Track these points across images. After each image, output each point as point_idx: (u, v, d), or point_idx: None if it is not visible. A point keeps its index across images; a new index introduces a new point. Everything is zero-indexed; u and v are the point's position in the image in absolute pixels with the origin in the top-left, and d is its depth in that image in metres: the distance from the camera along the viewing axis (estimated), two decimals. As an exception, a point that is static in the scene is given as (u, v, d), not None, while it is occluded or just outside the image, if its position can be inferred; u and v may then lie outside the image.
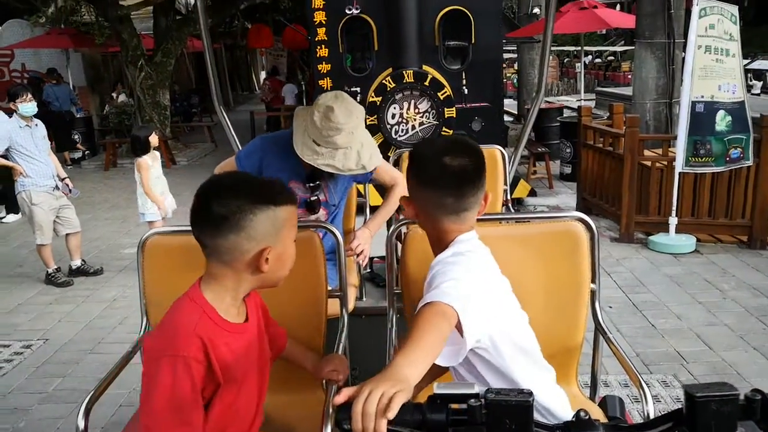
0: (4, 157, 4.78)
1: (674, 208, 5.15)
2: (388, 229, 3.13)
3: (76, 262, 5.16)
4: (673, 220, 5.18)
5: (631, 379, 1.49)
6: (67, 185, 5.01)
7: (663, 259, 5.05)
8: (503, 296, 1.34)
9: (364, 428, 0.80)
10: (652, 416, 1.43)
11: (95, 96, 13.43)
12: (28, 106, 4.75)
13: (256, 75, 25.97)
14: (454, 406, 0.76)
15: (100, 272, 5.20)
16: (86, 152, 11.18)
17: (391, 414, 0.79)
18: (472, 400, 0.73)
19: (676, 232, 5.21)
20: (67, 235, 5.05)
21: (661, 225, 5.33)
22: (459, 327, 1.12)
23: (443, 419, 0.76)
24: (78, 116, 11.21)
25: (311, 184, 2.22)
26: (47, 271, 5.02)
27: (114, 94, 12.46)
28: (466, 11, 5.83)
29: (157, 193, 4.79)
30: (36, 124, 4.87)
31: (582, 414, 0.76)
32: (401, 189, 2.38)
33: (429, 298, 1.14)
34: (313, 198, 2.23)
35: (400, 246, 1.82)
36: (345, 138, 2.02)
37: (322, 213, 2.29)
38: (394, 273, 1.77)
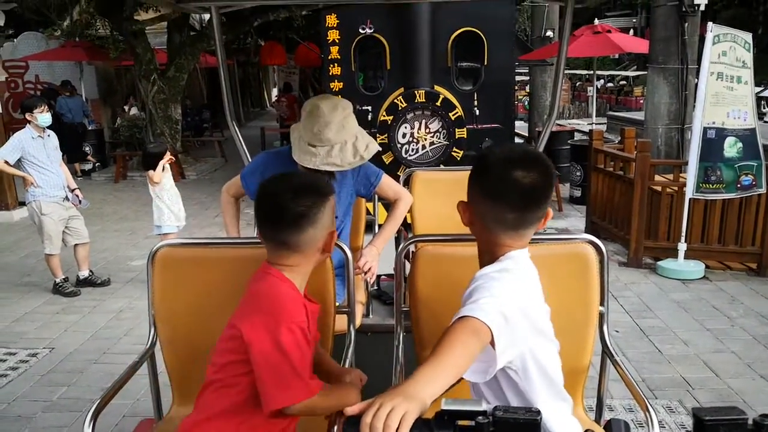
0: (17, 167, 4.83)
1: (684, 233, 5.13)
2: (397, 247, 3.15)
3: (84, 273, 5.19)
4: (682, 246, 5.15)
5: (638, 403, 1.48)
6: (77, 196, 5.05)
7: (671, 285, 5.02)
8: (541, 321, 1.28)
9: None
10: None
11: (107, 109, 13.59)
12: (46, 116, 4.83)
13: (267, 92, 26.23)
14: (462, 422, 0.76)
15: (107, 283, 5.21)
16: (97, 164, 11.29)
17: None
18: (480, 417, 0.73)
19: (685, 258, 5.18)
20: (75, 245, 5.08)
21: (670, 250, 5.29)
22: (492, 345, 1.09)
23: (450, 436, 0.76)
24: (90, 128, 11.35)
25: None
26: (55, 281, 5.04)
27: (126, 107, 12.61)
28: (480, 33, 5.90)
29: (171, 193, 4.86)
30: (48, 135, 4.93)
31: (589, 436, 0.76)
32: (405, 204, 2.40)
33: (465, 312, 1.11)
34: None
35: (408, 264, 1.83)
36: (336, 132, 2.04)
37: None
38: (402, 291, 1.77)
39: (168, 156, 4.88)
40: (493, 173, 1.27)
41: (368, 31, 6.04)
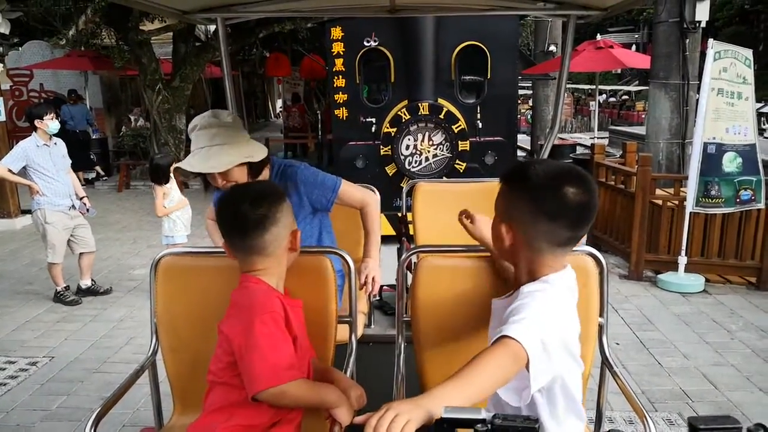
0: (22, 175, 4.83)
1: (684, 247, 5.14)
2: (399, 258, 3.16)
3: (86, 282, 5.19)
4: (682, 260, 5.16)
5: (637, 415, 1.49)
6: (84, 204, 5.04)
7: (671, 298, 5.02)
8: (574, 346, 1.26)
9: None
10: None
11: (111, 118, 13.67)
12: (56, 123, 4.84)
13: (272, 103, 26.34)
14: (461, 431, 0.77)
15: (109, 292, 5.22)
16: (103, 176, 11.33)
17: None
18: (479, 425, 0.74)
19: (685, 272, 5.18)
20: (81, 254, 5.09)
21: (671, 264, 5.30)
22: (527, 367, 1.08)
23: (450, 443, 0.77)
24: (94, 137, 11.42)
25: None
26: (56, 290, 5.04)
27: (132, 117, 12.68)
28: (483, 47, 5.95)
29: (173, 208, 4.90)
30: (55, 143, 4.92)
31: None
32: (374, 208, 2.31)
33: (509, 331, 1.09)
34: None
35: (410, 275, 1.84)
36: (205, 139, 2.00)
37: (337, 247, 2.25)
38: (404, 302, 1.78)
39: (173, 181, 4.90)
40: (549, 191, 1.22)
41: (373, 43, 6.10)
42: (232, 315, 1.50)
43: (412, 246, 2.91)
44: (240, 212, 1.48)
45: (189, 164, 2.00)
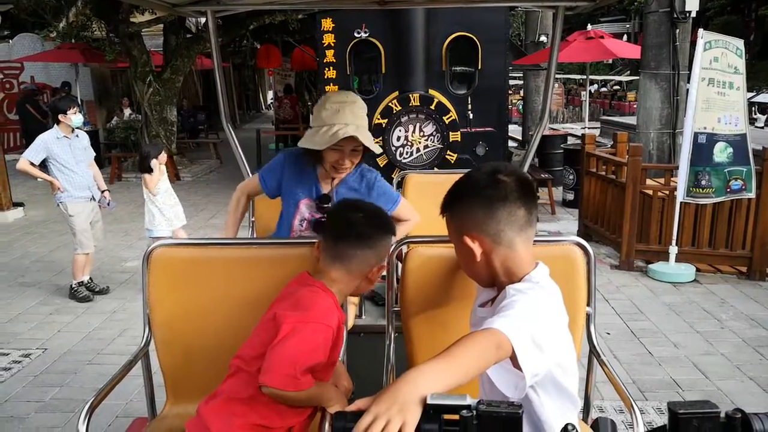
0: (42, 168, 4.78)
1: (675, 237, 5.18)
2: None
3: (84, 278, 5.06)
4: (673, 249, 5.20)
5: (623, 402, 1.51)
6: (105, 197, 4.99)
7: (662, 288, 5.06)
8: (565, 337, 1.28)
9: None
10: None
11: (102, 110, 13.59)
12: (79, 117, 4.80)
13: (263, 94, 26.24)
14: (447, 416, 0.78)
15: (105, 291, 5.09)
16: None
17: None
18: (464, 412, 0.75)
19: (676, 261, 5.23)
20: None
21: (662, 254, 5.34)
22: (515, 361, 1.08)
23: (436, 429, 0.78)
24: (85, 129, 11.32)
25: (323, 204, 2.23)
26: (71, 285, 4.97)
27: (123, 108, 12.62)
28: (474, 37, 5.93)
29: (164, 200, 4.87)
30: (77, 136, 4.87)
31: (569, 427, 0.79)
32: (413, 224, 2.40)
33: (494, 324, 1.10)
34: (322, 218, 2.24)
35: (400, 265, 1.85)
36: (351, 115, 2.05)
37: None
38: (394, 292, 1.80)
39: (163, 155, 4.89)
40: (486, 183, 1.31)
41: (363, 35, 6.07)
42: (289, 307, 1.48)
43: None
44: (350, 220, 1.53)
45: (352, 130, 2.01)
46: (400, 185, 3.07)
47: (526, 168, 2.88)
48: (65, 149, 4.76)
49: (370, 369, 2.01)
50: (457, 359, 0.99)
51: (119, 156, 11.02)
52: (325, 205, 2.23)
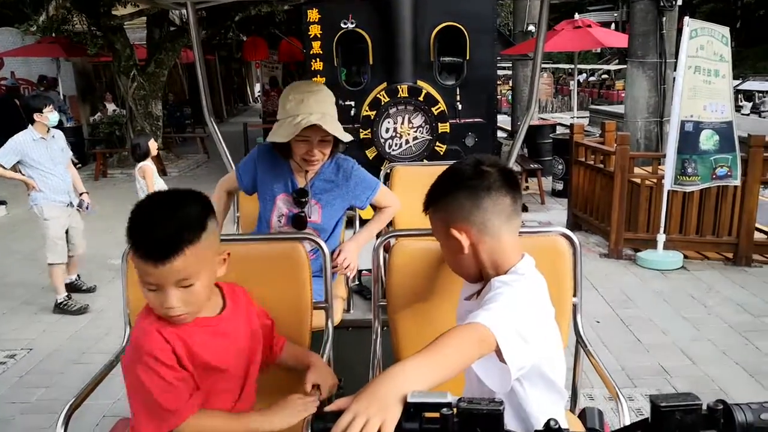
0: (16, 170, 4.53)
1: (662, 225, 5.20)
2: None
3: (71, 278, 4.95)
4: (661, 237, 5.23)
5: (609, 391, 1.51)
6: (84, 201, 4.78)
7: (650, 275, 5.09)
8: (552, 329, 1.27)
9: None
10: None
11: (86, 105, 13.44)
12: (56, 115, 4.57)
13: (250, 87, 26.06)
14: (428, 414, 0.77)
15: (93, 290, 5.00)
16: (78, 165, 11.15)
17: None
18: (445, 409, 0.74)
19: (663, 249, 5.25)
20: (69, 256, 4.79)
21: (650, 242, 5.37)
22: (500, 355, 1.06)
23: (416, 428, 0.77)
24: (67, 125, 11.21)
25: (301, 199, 2.19)
26: (56, 300, 4.61)
27: (107, 103, 12.50)
28: (462, 28, 5.91)
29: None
30: (53, 136, 4.60)
31: (552, 423, 0.77)
32: (395, 209, 2.39)
33: (477, 318, 1.08)
34: (301, 213, 2.21)
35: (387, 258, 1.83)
36: (316, 103, 2.01)
37: (309, 232, 2.20)
38: (381, 285, 1.78)
39: (153, 142, 4.86)
40: (470, 174, 1.31)
41: (350, 26, 6.03)
42: (126, 351, 1.40)
43: (390, 230, 2.91)
44: (180, 214, 1.29)
45: (315, 119, 1.96)
46: (388, 178, 3.05)
47: (514, 158, 2.87)
48: (42, 152, 4.49)
49: (359, 364, 1.99)
50: (439, 355, 0.97)
51: (104, 152, 10.90)
52: (303, 200, 2.19)
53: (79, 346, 4.01)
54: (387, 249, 1.89)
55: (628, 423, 1.47)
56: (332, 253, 2.11)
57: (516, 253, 1.32)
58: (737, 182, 5.07)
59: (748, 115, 18.26)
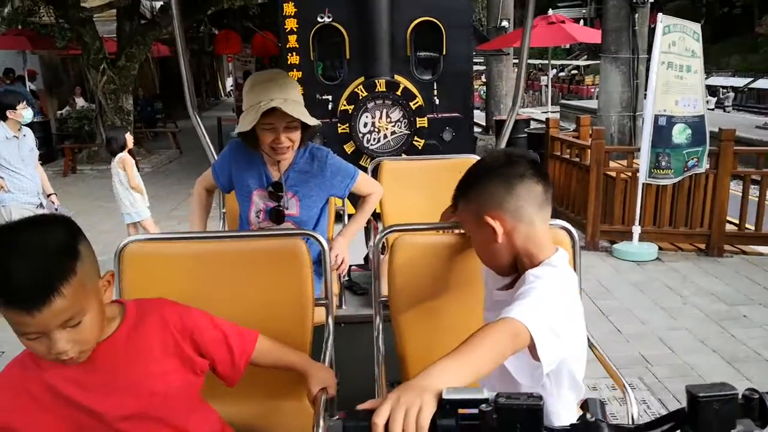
0: None
1: (637, 217, 5.30)
2: (366, 237, 3.14)
3: None
4: (636, 229, 5.33)
5: (614, 381, 1.53)
6: (53, 203, 4.62)
7: (627, 267, 5.19)
8: (581, 326, 1.27)
9: None
10: (635, 417, 1.48)
11: (53, 100, 13.08)
12: (29, 112, 4.42)
13: (222, 82, 25.71)
14: (463, 411, 0.76)
15: None
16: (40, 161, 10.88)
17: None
18: (484, 405, 0.74)
19: (639, 241, 5.36)
20: None
21: (625, 234, 5.47)
22: (533, 350, 1.07)
23: (453, 425, 0.76)
24: (34, 120, 10.88)
25: (278, 192, 2.16)
26: None
27: (76, 98, 12.18)
28: (438, 22, 5.91)
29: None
30: (24, 135, 4.44)
31: (588, 416, 0.78)
32: (377, 196, 2.37)
33: (511, 313, 1.08)
34: (278, 207, 2.18)
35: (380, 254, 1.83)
36: (279, 89, 1.98)
37: (289, 226, 2.21)
38: (381, 281, 1.77)
39: (129, 136, 4.78)
40: (502, 162, 1.33)
41: (327, 19, 5.98)
42: None
43: (379, 225, 2.91)
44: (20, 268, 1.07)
45: (276, 103, 1.91)
46: (376, 173, 3.03)
47: (500, 152, 2.87)
48: (13, 151, 4.32)
49: (353, 359, 1.98)
50: (475, 352, 0.97)
51: (73, 147, 10.63)
52: (279, 193, 2.16)
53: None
54: (382, 245, 1.89)
55: (635, 413, 1.51)
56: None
57: (550, 246, 1.33)
58: (701, 170, 5.18)
59: (712, 110, 18.71)
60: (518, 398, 0.73)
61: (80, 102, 12.13)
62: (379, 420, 0.79)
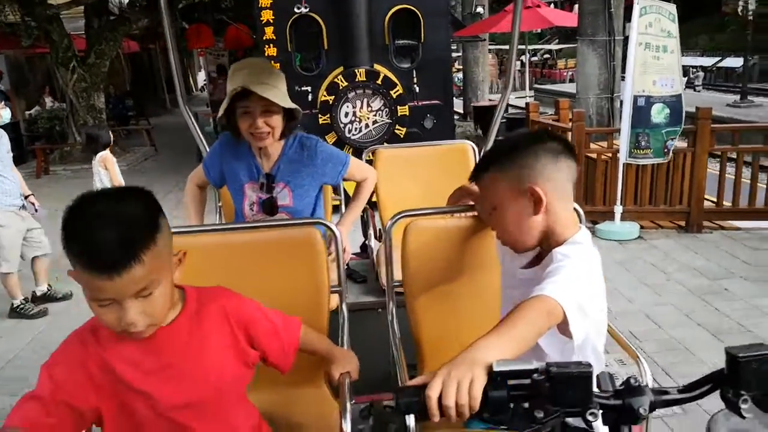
0: None
1: (619, 197, 5.40)
2: (363, 226, 3.15)
3: (42, 288, 4.63)
4: (618, 209, 5.43)
5: (628, 353, 1.58)
6: (33, 204, 4.51)
7: (610, 246, 5.29)
8: (602, 300, 1.29)
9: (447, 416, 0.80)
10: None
11: (20, 100, 12.76)
12: (7, 111, 4.30)
13: (193, 77, 25.32)
14: (512, 382, 0.79)
15: (69, 297, 4.67)
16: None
17: (476, 404, 0.80)
18: (536, 375, 0.77)
19: (621, 221, 5.46)
20: (34, 258, 4.52)
21: (607, 213, 5.57)
22: (564, 325, 1.10)
23: (504, 396, 0.79)
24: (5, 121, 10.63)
25: (269, 183, 2.16)
26: (12, 304, 4.39)
27: (45, 98, 11.90)
28: (416, 10, 5.91)
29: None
30: (0, 136, 4.28)
31: (632, 381, 0.81)
32: (372, 181, 2.37)
33: (544, 291, 1.11)
34: (270, 198, 2.17)
35: (376, 243, 1.84)
36: (252, 75, 1.96)
37: (283, 216, 2.20)
38: (388, 267, 1.78)
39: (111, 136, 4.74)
40: (546, 139, 1.35)
41: (303, 10, 5.93)
42: None
43: (375, 213, 2.92)
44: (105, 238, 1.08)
45: (247, 84, 1.88)
46: (371, 162, 3.04)
47: (492, 140, 2.91)
48: None
49: (360, 346, 2.00)
50: (514, 329, 0.99)
51: (44, 148, 10.40)
52: (271, 185, 2.16)
53: (40, 353, 3.83)
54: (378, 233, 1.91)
55: (650, 383, 1.56)
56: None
57: (574, 224, 1.36)
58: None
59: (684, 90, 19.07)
60: (568, 366, 0.76)
61: (49, 101, 11.86)
62: (433, 393, 0.81)
